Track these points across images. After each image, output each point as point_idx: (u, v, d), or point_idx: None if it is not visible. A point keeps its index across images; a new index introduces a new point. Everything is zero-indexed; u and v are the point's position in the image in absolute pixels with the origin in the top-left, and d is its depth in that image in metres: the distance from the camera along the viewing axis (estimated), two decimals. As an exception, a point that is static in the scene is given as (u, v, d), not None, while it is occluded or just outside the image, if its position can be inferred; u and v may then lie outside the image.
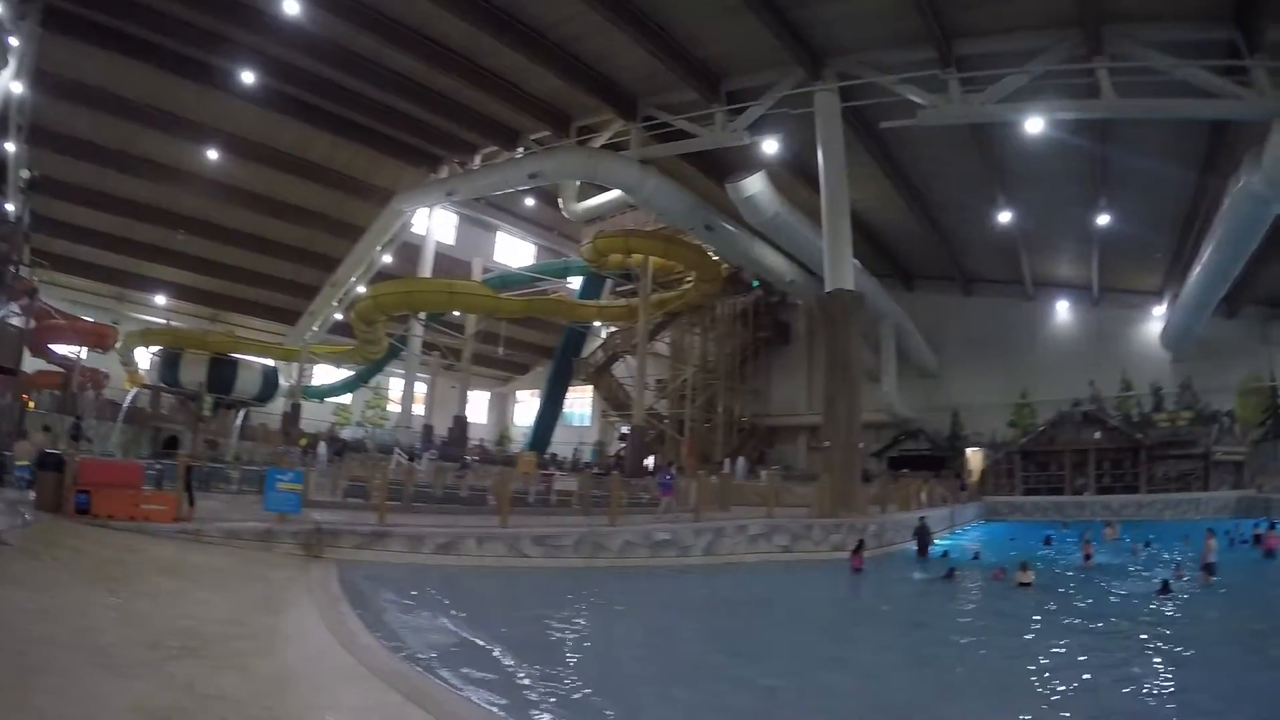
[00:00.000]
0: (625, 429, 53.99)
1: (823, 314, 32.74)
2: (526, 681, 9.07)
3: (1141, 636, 13.29)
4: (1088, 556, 24.34)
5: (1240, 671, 10.83)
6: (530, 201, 56.33)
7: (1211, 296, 37.89)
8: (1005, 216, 39.13)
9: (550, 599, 15.28)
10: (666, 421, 54.46)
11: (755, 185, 34.14)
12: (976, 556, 25.07)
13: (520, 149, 41.75)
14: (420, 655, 9.63)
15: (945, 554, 25.54)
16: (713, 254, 47.85)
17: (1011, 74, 26.26)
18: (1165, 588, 17.61)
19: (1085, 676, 10.54)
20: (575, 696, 8.62)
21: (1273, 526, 27.22)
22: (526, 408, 72.08)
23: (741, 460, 47.85)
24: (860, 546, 22.51)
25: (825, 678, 10.28)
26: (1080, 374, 49.17)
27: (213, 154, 43.44)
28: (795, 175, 36.72)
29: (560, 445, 59.89)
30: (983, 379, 52.85)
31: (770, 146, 33.03)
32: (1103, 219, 38.02)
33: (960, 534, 34.54)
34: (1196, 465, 44.81)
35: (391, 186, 47.87)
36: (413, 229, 52.63)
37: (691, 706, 8.86)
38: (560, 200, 52.98)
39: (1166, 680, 10.41)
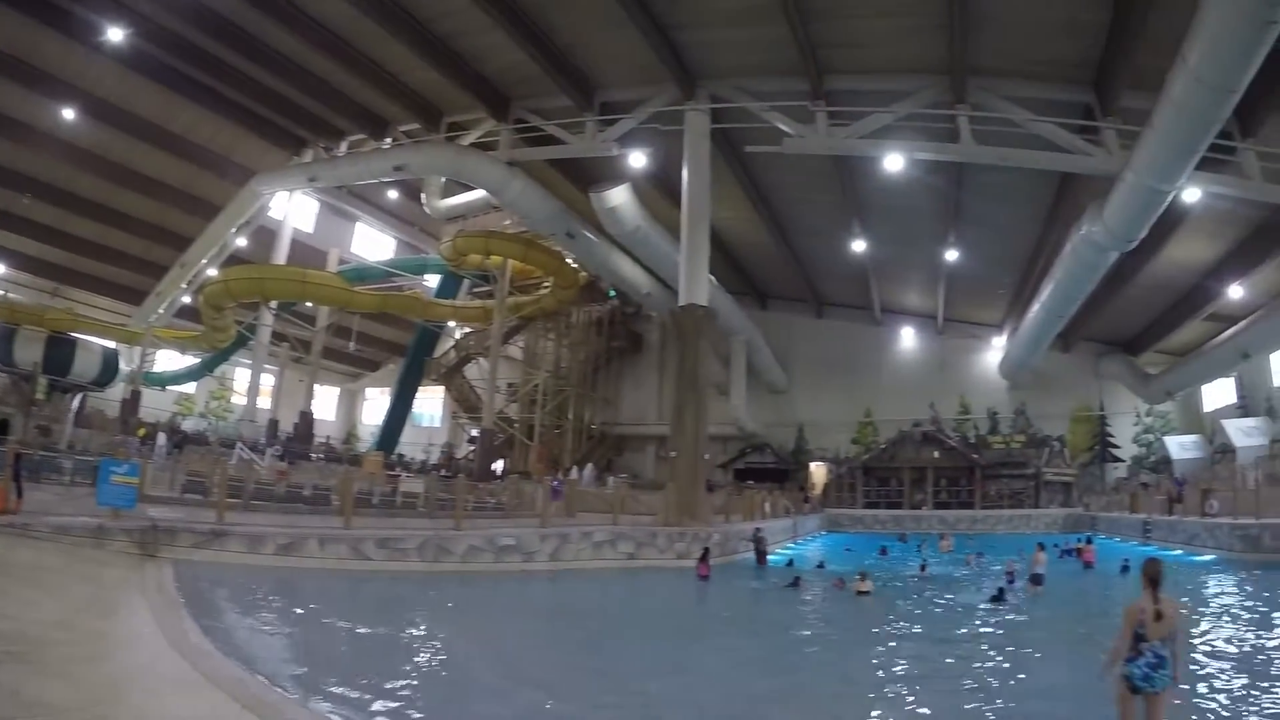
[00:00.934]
0: (475, 432, 53.26)
1: (675, 327, 33.14)
2: (366, 690, 8.91)
3: (976, 641, 13.96)
4: (923, 567, 25.58)
5: (1067, 670, 11.41)
6: (393, 194, 55.17)
7: (1048, 332, 40.55)
8: (860, 245, 40.71)
9: (392, 604, 15.03)
10: (517, 426, 54.22)
11: (619, 197, 34.48)
12: (822, 565, 25.93)
13: (388, 139, 40.81)
14: (259, 662, 9.30)
15: (790, 562, 26.21)
16: (571, 261, 48.09)
17: (878, 112, 27.30)
18: (999, 596, 18.43)
19: (921, 677, 10.94)
20: (412, 709, 8.51)
21: (1088, 540, 29.66)
22: (376, 406, 70.17)
23: (589, 467, 48.03)
24: (706, 554, 22.85)
25: (665, 683, 10.33)
26: (922, 396, 51.85)
27: (69, 114, 39.77)
28: (659, 190, 37.11)
29: (409, 446, 59.16)
30: (829, 397, 55.37)
31: (638, 160, 33.16)
32: (951, 254, 40.05)
33: (803, 544, 35.44)
34: (1028, 484, 48.14)
35: (253, 166, 45.54)
36: (270, 213, 50.34)
37: (523, 714, 8.86)
38: (424, 195, 52.22)
39: (1000, 679, 10.94)
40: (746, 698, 9.84)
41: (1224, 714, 8.86)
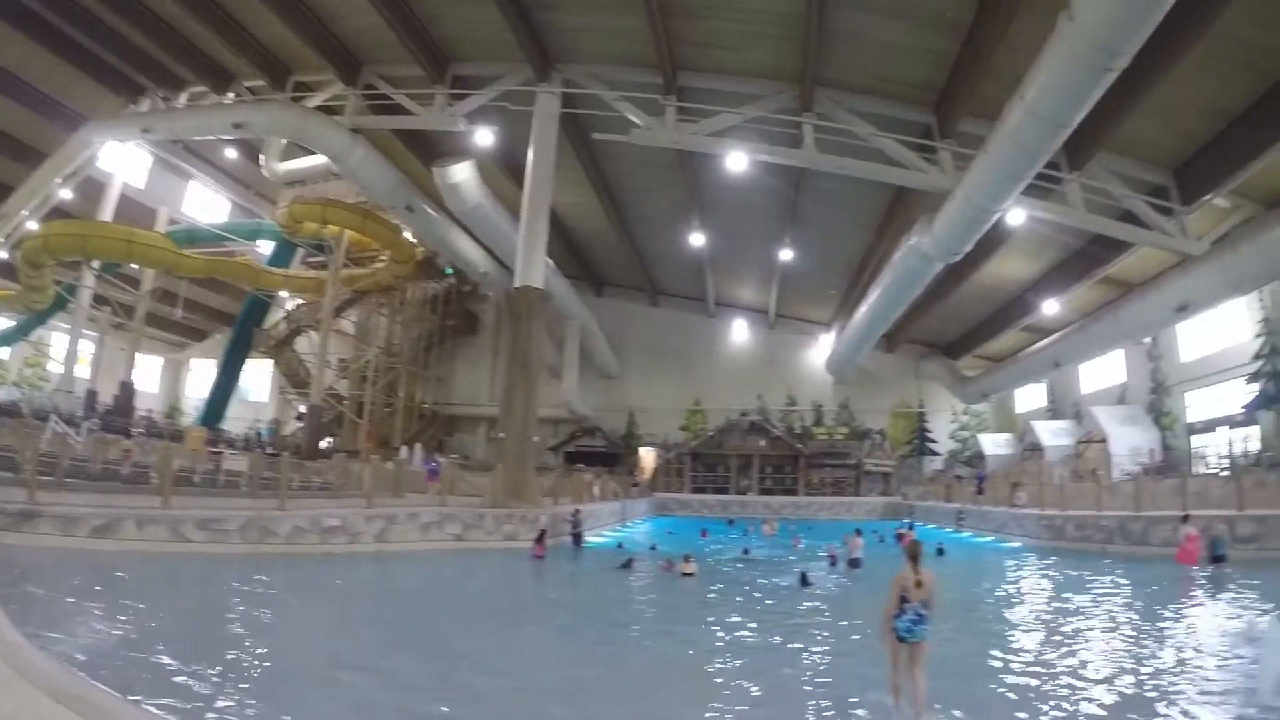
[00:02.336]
0: (303, 408, 52.02)
1: (509, 308, 33.10)
2: (186, 679, 8.65)
3: (794, 619, 14.55)
4: (746, 551, 26.43)
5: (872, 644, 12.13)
6: (231, 153, 52.98)
7: (874, 333, 42.72)
8: (698, 239, 41.74)
9: (213, 589, 14.49)
10: (346, 403, 53.12)
11: (462, 173, 34.26)
12: (654, 548, 26.27)
13: (231, 94, 38.82)
14: (74, 654, 8.90)
15: (620, 545, 26.79)
16: (410, 236, 47.64)
17: (726, 112, 28.02)
18: (804, 580, 18.90)
19: (743, 654, 11.44)
20: (233, 698, 8.30)
21: (910, 527, 31.71)
22: (201, 378, 66.04)
23: (418, 447, 47.67)
24: (543, 535, 23.09)
25: (491, 663, 10.35)
26: (750, 387, 54.55)
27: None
28: (503, 169, 37.13)
29: (235, 421, 57.06)
30: (660, 384, 57.04)
31: (484, 137, 32.79)
32: (786, 254, 41.69)
33: (631, 527, 36.15)
34: (850, 474, 51.12)
35: (86, 112, 41.48)
36: (99, 164, 46.44)
37: (351, 702, 8.75)
38: (262, 157, 50.08)
39: (816, 653, 11.55)
40: (567, 678, 9.99)
41: (1014, 669, 10.30)
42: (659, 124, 28.73)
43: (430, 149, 36.85)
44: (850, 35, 24.94)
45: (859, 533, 23.97)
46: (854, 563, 22.32)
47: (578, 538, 26.69)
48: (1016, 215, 27.28)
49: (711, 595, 17.41)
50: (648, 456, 53.35)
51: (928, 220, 27.87)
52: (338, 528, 20.81)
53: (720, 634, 12.77)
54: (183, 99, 41.42)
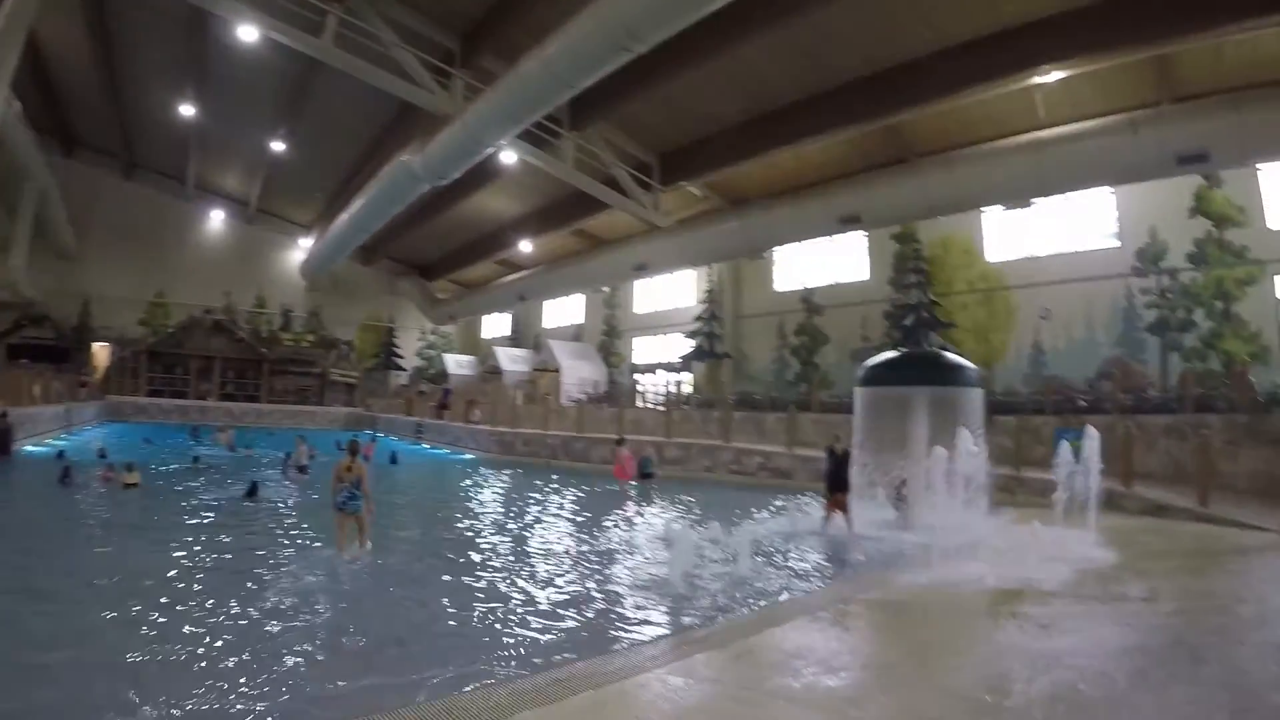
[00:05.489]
0: None
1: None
2: None
3: (239, 524, 14.59)
4: (196, 460, 25.11)
5: (295, 551, 12.48)
6: None
7: (351, 243, 42.53)
8: (188, 110, 37.67)
9: None
10: None
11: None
12: (103, 455, 23.65)
13: None
14: None
15: (61, 454, 23.66)
16: None
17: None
18: (253, 491, 18.29)
19: (165, 568, 10.74)
20: None
21: (372, 438, 32.79)
22: None
23: None
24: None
25: None
26: (221, 284, 51.66)
27: None
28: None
29: None
30: (123, 270, 50.48)
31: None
32: (280, 146, 39.65)
33: (79, 434, 32.76)
34: (315, 383, 50.53)
35: None
36: None
37: None
38: None
39: (258, 549, 12.33)
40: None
41: (473, 567, 11.76)
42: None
43: None
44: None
45: (303, 439, 24.81)
46: (302, 469, 22.85)
47: (5, 445, 23.55)
48: (510, 155, 28.69)
49: (153, 507, 16.43)
50: (102, 354, 47.98)
51: (424, 142, 28.17)
52: None
53: (151, 547, 12.21)
54: None
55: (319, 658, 7.37)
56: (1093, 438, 14.08)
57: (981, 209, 29.69)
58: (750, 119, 26.87)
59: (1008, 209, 29.92)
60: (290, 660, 7.17)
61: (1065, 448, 14.71)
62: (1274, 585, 10.17)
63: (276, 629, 8.14)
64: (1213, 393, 22.16)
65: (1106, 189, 27.28)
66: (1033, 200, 28.12)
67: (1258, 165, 24.36)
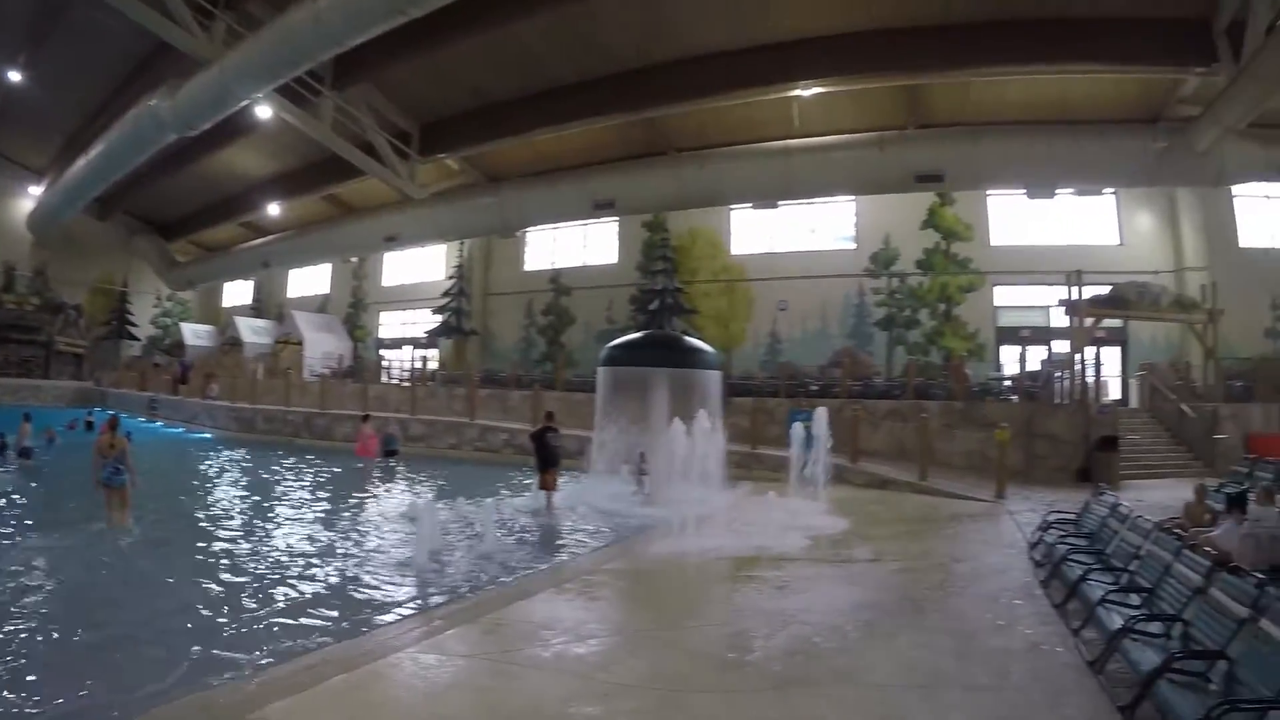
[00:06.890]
0: None
1: None
2: None
3: None
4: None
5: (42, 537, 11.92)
6: None
7: (88, 192, 39.18)
8: None
9: None
10: None
11: None
12: None
13: None
14: None
15: None
16: None
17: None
18: None
19: None
20: None
21: (89, 415, 31.27)
22: None
23: None
24: None
25: None
26: None
27: None
28: None
29: None
30: None
31: None
32: (15, 75, 35.75)
33: None
34: (40, 352, 45.98)
35: None
36: None
37: None
38: None
39: None
40: None
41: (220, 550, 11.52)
42: None
43: None
44: None
45: (28, 418, 22.13)
46: (24, 451, 20.83)
47: None
48: (266, 110, 27.46)
49: None
50: None
51: (174, 85, 26.25)
52: None
53: None
54: None
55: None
56: (821, 418, 15.37)
57: (731, 206, 31.91)
58: (518, 97, 27.26)
59: (756, 208, 32.08)
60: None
61: (798, 427, 15.99)
62: (985, 546, 11.69)
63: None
64: (932, 382, 25.29)
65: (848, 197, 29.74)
66: (780, 202, 30.34)
67: (987, 190, 28.38)
